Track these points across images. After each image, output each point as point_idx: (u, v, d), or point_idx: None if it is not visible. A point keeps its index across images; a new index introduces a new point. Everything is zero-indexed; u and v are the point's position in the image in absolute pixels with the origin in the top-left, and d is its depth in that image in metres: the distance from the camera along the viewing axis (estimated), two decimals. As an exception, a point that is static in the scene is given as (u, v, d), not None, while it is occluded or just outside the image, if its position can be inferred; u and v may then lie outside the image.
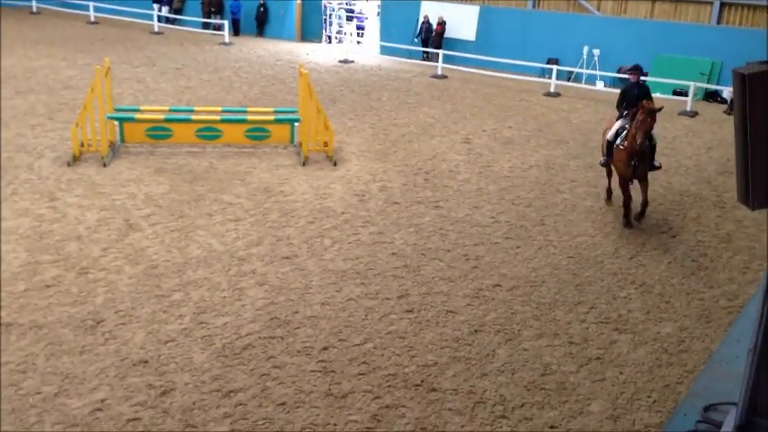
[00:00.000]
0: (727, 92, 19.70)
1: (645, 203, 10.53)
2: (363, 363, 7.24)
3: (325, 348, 7.44)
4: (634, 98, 10.70)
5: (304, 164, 12.76)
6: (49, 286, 8.28)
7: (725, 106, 19.55)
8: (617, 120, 11.02)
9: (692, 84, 19.10)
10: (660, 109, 10.03)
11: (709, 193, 12.55)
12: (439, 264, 9.37)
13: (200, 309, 8.03)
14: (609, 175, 11.54)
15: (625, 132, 10.42)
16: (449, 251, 9.74)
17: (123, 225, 9.93)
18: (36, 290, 8.19)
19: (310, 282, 8.74)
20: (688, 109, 18.67)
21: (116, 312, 7.87)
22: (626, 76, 21.51)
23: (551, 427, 6.43)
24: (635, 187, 10.78)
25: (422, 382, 6.98)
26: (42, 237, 9.45)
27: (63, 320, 7.66)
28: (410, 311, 8.19)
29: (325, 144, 13.11)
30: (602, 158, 11.38)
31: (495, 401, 6.73)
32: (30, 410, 6.34)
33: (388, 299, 8.44)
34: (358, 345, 7.53)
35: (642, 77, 11.41)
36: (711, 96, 20.74)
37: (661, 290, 8.92)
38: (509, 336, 7.79)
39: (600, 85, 21.43)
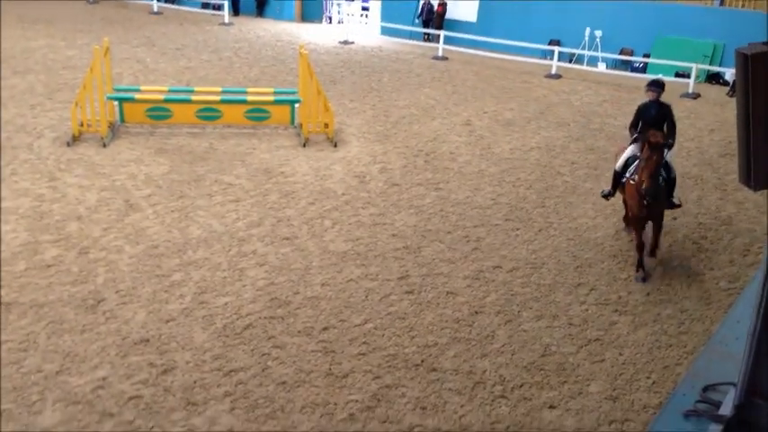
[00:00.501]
0: (729, 74, 19.62)
1: (654, 245, 8.93)
2: (364, 343, 7.26)
3: (325, 329, 7.47)
4: (651, 120, 8.85)
5: (304, 145, 12.73)
6: (49, 266, 8.29)
7: (727, 88, 19.48)
8: (629, 144, 9.22)
9: (694, 66, 19.02)
10: (666, 143, 8.38)
11: (711, 176, 12.53)
12: (439, 245, 9.37)
13: (200, 289, 8.04)
14: (627, 220, 9.65)
15: (636, 163, 8.71)
16: (449, 233, 9.74)
17: (123, 205, 9.92)
18: (37, 269, 8.20)
19: (311, 262, 8.75)
20: (690, 91, 18.61)
21: (117, 292, 7.88)
22: (628, 58, 21.49)
23: (550, 407, 6.46)
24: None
25: (422, 362, 7.01)
26: (42, 217, 9.44)
27: (64, 299, 7.67)
28: (410, 292, 8.21)
29: (326, 125, 13.06)
30: (604, 189, 9.69)
31: (494, 382, 6.76)
32: (31, 388, 6.37)
33: (388, 280, 8.45)
34: (358, 325, 7.55)
35: (661, 89, 9.04)
36: (714, 78, 20.66)
37: (661, 272, 8.93)
38: (509, 317, 7.81)
39: (602, 67, 21.33)
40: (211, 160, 11.74)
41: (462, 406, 6.43)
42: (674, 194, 9.01)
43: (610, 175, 11.94)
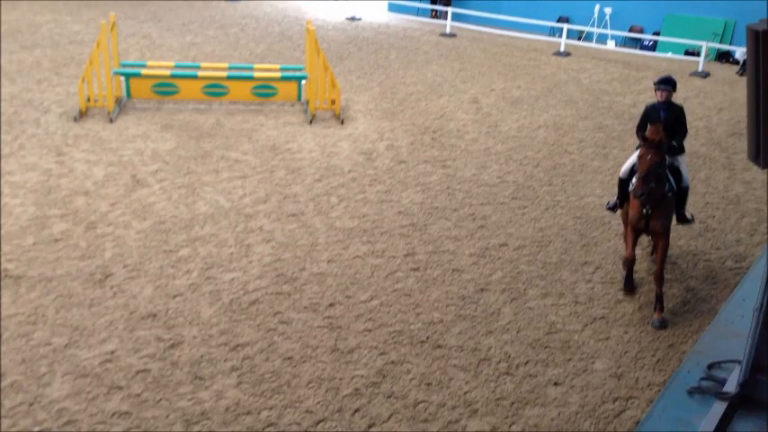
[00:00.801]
0: (739, 52, 19.41)
1: (658, 276, 7.40)
2: (369, 319, 7.30)
3: (331, 305, 7.50)
4: (660, 123, 7.57)
5: (311, 122, 12.69)
6: (57, 240, 8.33)
7: (737, 67, 19.29)
8: (636, 149, 7.99)
9: (704, 44, 18.82)
10: (661, 141, 7.14)
11: (719, 155, 12.46)
12: (445, 223, 9.37)
13: (207, 264, 8.08)
14: (626, 237, 7.83)
15: None
16: (455, 210, 9.74)
17: (130, 181, 9.94)
18: (45, 243, 8.24)
19: (317, 239, 8.77)
20: (700, 69, 18.44)
21: (124, 267, 7.93)
22: (637, 36, 21.27)
23: (555, 384, 6.50)
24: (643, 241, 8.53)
25: (427, 338, 7.05)
26: (50, 191, 9.47)
27: (72, 274, 7.72)
28: (416, 269, 8.23)
29: (333, 102, 13.02)
30: (609, 200, 8.47)
31: (499, 359, 6.80)
32: (40, 360, 6.44)
33: (394, 257, 8.47)
34: (364, 302, 7.58)
35: (672, 89, 7.83)
36: (724, 57, 20.45)
37: (668, 251, 8.91)
38: (514, 295, 7.83)
39: (611, 45, 21.13)
40: (218, 136, 11.73)
41: (467, 382, 6.47)
42: (686, 208, 7.93)
43: (618, 155, 11.92)
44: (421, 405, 6.18)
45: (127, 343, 6.76)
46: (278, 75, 13.52)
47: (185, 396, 6.17)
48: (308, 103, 13.17)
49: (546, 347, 6.97)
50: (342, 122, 12.78)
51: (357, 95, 14.50)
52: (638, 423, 5.83)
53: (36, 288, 7.44)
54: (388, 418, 6.03)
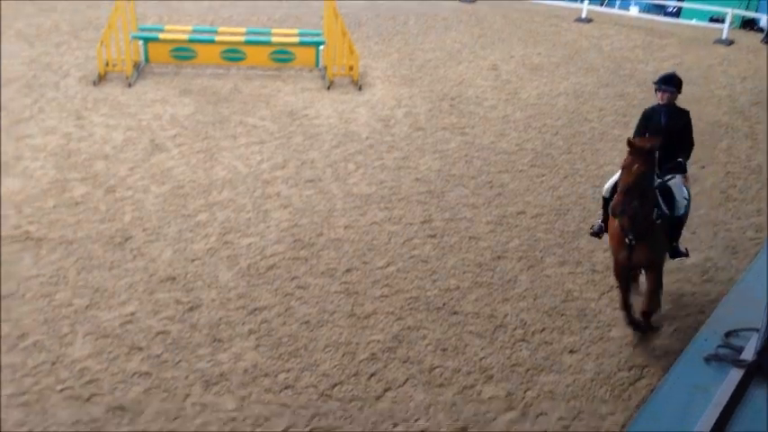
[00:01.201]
0: (764, 20, 18.98)
1: (646, 307, 6.47)
2: (386, 285, 7.33)
3: (348, 270, 7.54)
4: (660, 131, 6.43)
5: (329, 88, 12.63)
6: (77, 203, 8.41)
7: (761, 35, 18.88)
8: None
9: (729, 11, 18.41)
10: (652, 149, 5.90)
11: (742, 124, 12.27)
12: (463, 190, 9.34)
13: (225, 229, 8.13)
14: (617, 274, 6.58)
15: None
16: (473, 178, 9.69)
17: (149, 145, 9.98)
18: (65, 206, 8.33)
19: (334, 205, 8.78)
20: (724, 37, 18.07)
21: (143, 230, 8.00)
22: (661, 2, 20.86)
23: (570, 351, 6.52)
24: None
25: (443, 305, 7.08)
26: (70, 155, 9.53)
27: (92, 237, 7.81)
28: (433, 236, 8.23)
29: (351, 68, 12.92)
30: (594, 224, 6.99)
31: (515, 326, 6.82)
32: (62, 321, 6.55)
33: (411, 224, 8.47)
34: (381, 268, 7.61)
35: (675, 92, 6.54)
36: (748, 24, 19.99)
37: (687, 221, 8.83)
38: (531, 262, 7.82)
39: (634, 11, 20.73)
40: (236, 102, 11.71)
41: (483, 348, 6.51)
42: (679, 241, 6.63)
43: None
44: (436, 370, 6.23)
45: (147, 305, 6.86)
46: (296, 40, 13.43)
47: (204, 357, 6.26)
48: (325, 68, 13.09)
49: (562, 315, 6.98)
50: (360, 89, 12.71)
51: (375, 62, 14.38)
52: (653, 391, 5.84)
53: (57, 250, 7.54)
54: (404, 383, 6.10)
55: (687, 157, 6.66)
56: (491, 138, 11.02)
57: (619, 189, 5.86)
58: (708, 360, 4.67)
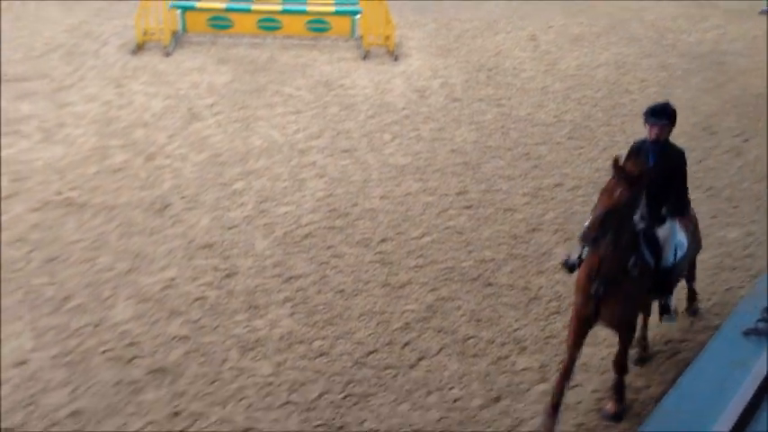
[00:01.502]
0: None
1: (617, 364, 5.49)
2: (420, 256, 7.36)
3: (383, 240, 7.57)
4: (648, 168, 5.24)
5: (365, 58, 12.56)
6: (118, 170, 8.55)
7: (814, 5, 18.22)
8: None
9: (778, -20, 17.78)
10: (641, 178, 4.91)
11: (788, 98, 11.93)
12: (499, 162, 9.27)
13: (261, 197, 8.20)
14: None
15: None
16: (509, 149, 9.61)
17: (187, 114, 10.06)
18: (106, 173, 8.47)
19: (369, 175, 8.79)
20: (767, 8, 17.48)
21: (182, 198, 8.11)
22: None
23: (605, 324, 6.48)
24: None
25: (478, 276, 7.08)
26: (110, 122, 9.66)
27: (132, 203, 7.95)
28: (468, 208, 8.21)
29: (387, 38, 12.82)
30: (570, 255, 5.70)
31: (550, 298, 6.81)
32: (104, 284, 6.72)
33: (446, 195, 8.45)
34: (416, 238, 7.63)
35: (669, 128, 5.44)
36: (800, -6, 19.32)
37: (729, 194, 8.68)
38: (567, 235, 7.76)
39: (678, -19, 20.14)
40: (272, 71, 11.73)
41: (517, 320, 6.51)
42: (670, 295, 5.57)
43: (682, 95, 11.52)
44: (471, 341, 6.26)
45: (185, 271, 6.98)
46: (332, 9, 13.36)
47: (241, 324, 6.37)
48: (361, 38, 13.01)
49: (598, 288, 6.93)
50: (396, 59, 12.62)
51: (412, 31, 14.24)
52: (689, 364, 5.80)
53: (99, 216, 7.69)
54: (438, 352, 6.14)
55: (677, 210, 5.45)
56: (528, 109, 10.89)
57: (595, 214, 4.84)
58: (747, 334, 4.62)
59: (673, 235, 5.44)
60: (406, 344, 6.21)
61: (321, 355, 6.02)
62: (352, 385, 5.76)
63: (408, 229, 7.78)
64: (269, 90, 11.00)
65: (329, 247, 7.43)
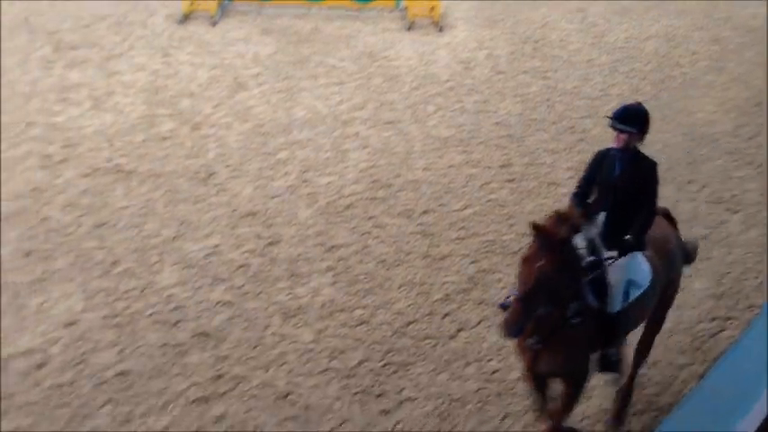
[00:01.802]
0: None
1: (554, 415, 4.73)
2: (462, 228, 7.35)
3: (425, 212, 7.58)
4: (613, 187, 4.66)
5: (409, 29, 12.46)
6: (165, 138, 8.68)
7: None
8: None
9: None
10: (565, 240, 4.16)
11: None
12: (543, 135, 9.16)
13: (304, 167, 8.26)
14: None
15: None
16: (554, 123, 9.48)
17: (232, 84, 10.14)
18: (153, 141, 8.61)
19: (412, 147, 8.77)
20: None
21: (226, 167, 8.21)
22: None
23: (649, 301, 6.40)
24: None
25: (520, 249, 7.01)
26: (158, 91, 9.78)
27: (178, 171, 8.08)
28: (511, 181, 8.15)
29: (432, 9, 12.68)
30: (511, 292, 4.66)
31: (592, 273, 6.73)
32: (151, 250, 6.87)
33: (489, 167, 8.40)
34: (457, 210, 7.62)
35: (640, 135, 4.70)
36: None
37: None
38: (612, 210, 7.64)
39: (735, -49, 19.42)
40: (316, 42, 11.72)
41: (558, 294, 6.47)
42: (616, 349, 4.67)
43: (734, 69, 11.18)
44: (511, 313, 6.24)
45: (229, 238, 7.10)
46: (377, -21, 13.24)
47: (283, 291, 6.47)
48: (406, 9, 12.89)
49: (642, 264, 6.84)
50: (440, 30, 12.49)
51: (456, 2, 14.05)
52: (733, 342, 5.72)
53: (146, 183, 7.85)
54: (477, 324, 6.16)
55: (641, 230, 4.58)
56: (574, 82, 10.69)
57: (515, 295, 4.18)
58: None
59: (628, 269, 4.54)
60: (446, 315, 6.24)
61: (361, 323, 6.09)
62: (391, 354, 5.82)
63: (450, 202, 7.76)
64: (313, 61, 11.00)
65: (371, 218, 7.47)
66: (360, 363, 5.74)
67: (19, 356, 5.64)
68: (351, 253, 6.94)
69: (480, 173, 8.28)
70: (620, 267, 4.53)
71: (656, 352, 5.80)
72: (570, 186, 8.00)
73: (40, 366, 5.59)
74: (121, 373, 5.58)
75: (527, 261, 4.14)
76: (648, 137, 9.25)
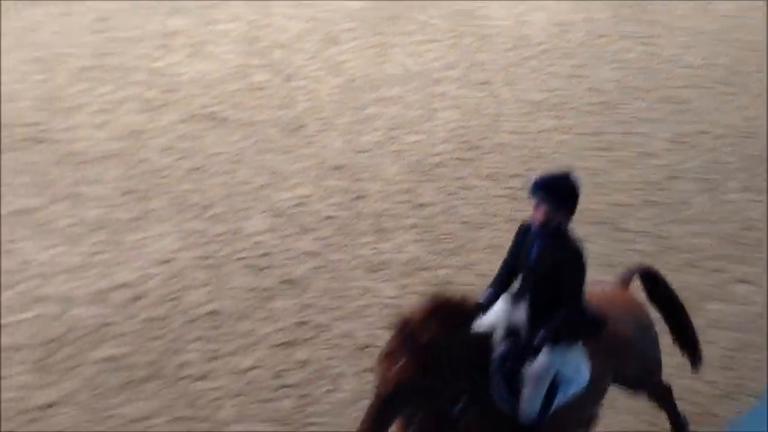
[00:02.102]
0: None
1: None
2: (550, 194, 7.21)
3: (512, 176, 7.47)
4: (530, 269, 3.84)
5: (505, -13, 12.15)
6: (258, 89, 8.81)
7: None
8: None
9: None
10: (432, 342, 3.37)
11: None
12: (640, 104, 8.83)
13: (393, 124, 8.26)
14: None
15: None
16: (652, 91, 9.11)
17: (325, 37, 10.16)
18: (247, 90, 8.75)
19: (502, 109, 8.63)
20: None
21: (316, 119, 8.30)
22: None
23: (743, 281, 6.19)
24: None
25: (609, 220, 6.88)
26: (252, 41, 9.89)
27: (270, 121, 8.21)
28: (604, 149, 7.93)
29: (530, -33, 12.31)
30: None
31: (686, 249, 6.54)
32: (241, 197, 7.06)
33: (581, 134, 8.19)
34: (546, 176, 7.48)
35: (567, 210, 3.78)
36: None
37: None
38: (710, 185, 7.36)
39: None
40: (409, -2, 11.57)
41: (649, 267, 6.31)
42: None
43: None
44: (597, 283, 6.14)
45: (317, 190, 7.21)
46: (475, -65, 12.92)
47: (368, 245, 6.55)
48: (503, -33, 12.56)
49: (739, 244, 6.58)
50: (537, -10, 12.13)
51: (556, -39, 13.60)
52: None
53: (239, 131, 8.02)
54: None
55: (555, 328, 3.70)
56: (676, 49, 10.21)
57: (368, 405, 3.41)
58: None
59: (556, 365, 3.71)
60: (530, 280, 6.18)
61: (446, 283, 6.10)
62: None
63: (539, 167, 7.60)
64: (405, 17, 10.88)
65: (458, 179, 7.43)
66: (441, 321, 5.77)
67: (117, 288, 5.94)
68: (436, 212, 6.93)
69: (571, 139, 8.08)
70: (542, 364, 3.67)
71: (745, 335, 5.63)
72: (666, 158, 7.79)
73: (135, 299, 5.87)
74: (212, 313, 5.79)
75: (386, 358, 3.38)
76: (752, 110, 8.89)
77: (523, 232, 3.91)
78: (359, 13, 10.92)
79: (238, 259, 6.35)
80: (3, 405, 4.79)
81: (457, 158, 7.73)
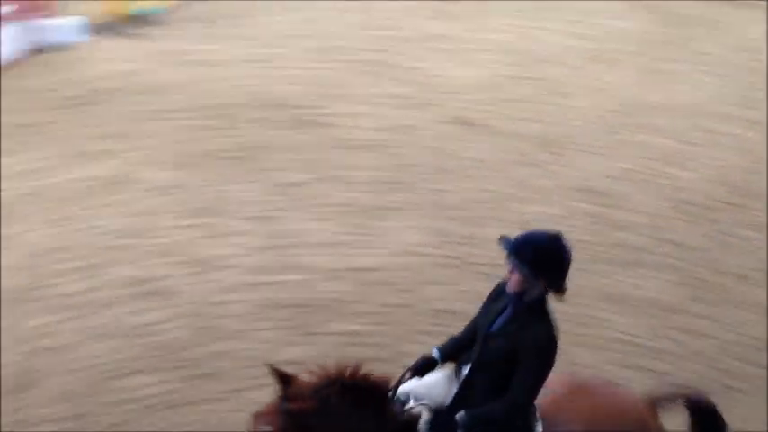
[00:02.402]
0: None
1: None
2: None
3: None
4: (481, 334, 3.14)
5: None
6: (516, 100, 8.66)
7: None
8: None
9: None
10: (304, 412, 2.92)
11: None
12: None
13: (654, 155, 7.80)
14: None
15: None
16: None
17: (592, 57, 9.68)
18: (505, 100, 8.63)
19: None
20: None
21: (572, 138, 8.03)
22: None
23: None
24: None
25: None
26: (517, 53, 9.70)
27: (525, 134, 8.06)
28: None
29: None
30: None
31: None
32: (482, 204, 6.97)
33: None
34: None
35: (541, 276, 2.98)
36: None
37: None
38: None
39: None
40: (688, 26, 10.78)
41: None
42: None
43: None
44: None
45: (563, 209, 6.93)
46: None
47: (611, 275, 6.18)
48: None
49: None
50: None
51: None
52: None
53: (492, 139, 7.96)
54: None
55: (482, 416, 3.03)
56: None
57: None
58: None
59: None
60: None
61: (702, 335, 5.56)
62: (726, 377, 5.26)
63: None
64: (681, 45, 10.20)
65: (720, 223, 6.81)
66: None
67: (358, 270, 6.13)
68: (696, 257, 6.40)
69: None
70: None
71: None
72: None
73: (374, 283, 6.01)
74: (442, 311, 5.76)
75: (260, 419, 2.98)
76: None
77: (499, 292, 3.20)
78: (631, 36, 10.43)
79: (472, 263, 6.28)
80: (253, 353, 5.12)
81: (721, 201, 7.11)
